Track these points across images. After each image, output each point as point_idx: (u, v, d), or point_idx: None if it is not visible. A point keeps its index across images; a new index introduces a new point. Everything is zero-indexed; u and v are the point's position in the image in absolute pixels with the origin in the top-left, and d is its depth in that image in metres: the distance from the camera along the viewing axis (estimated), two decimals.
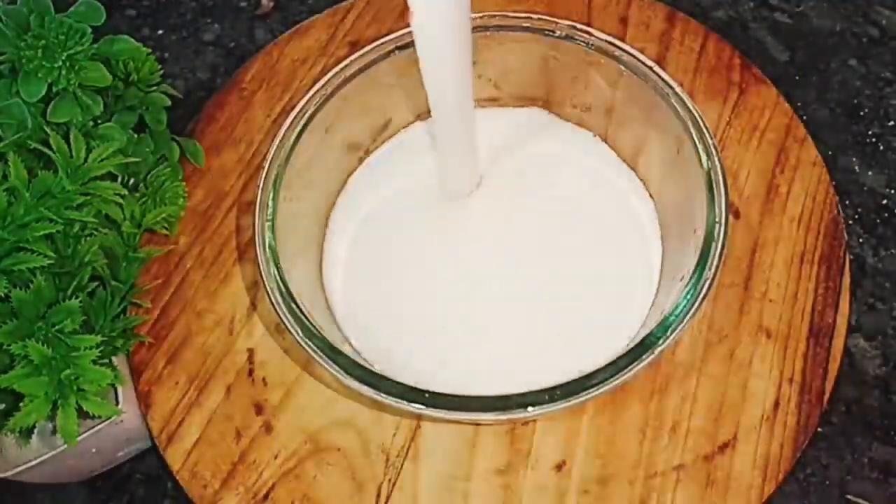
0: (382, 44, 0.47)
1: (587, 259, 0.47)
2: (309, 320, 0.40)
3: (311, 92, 0.45)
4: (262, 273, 0.41)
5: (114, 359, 0.46)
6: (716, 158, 0.42)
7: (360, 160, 0.52)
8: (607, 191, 0.49)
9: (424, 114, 0.52)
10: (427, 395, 0.37)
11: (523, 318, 0.46)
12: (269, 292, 0.41)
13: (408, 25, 0.46)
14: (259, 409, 0.46)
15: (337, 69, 0.46)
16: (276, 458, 0.45)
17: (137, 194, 0.48)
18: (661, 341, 0.38)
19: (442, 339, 0.45)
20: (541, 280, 0.46)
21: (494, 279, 0.47)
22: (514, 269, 0.47)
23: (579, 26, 0.46)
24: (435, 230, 0.49)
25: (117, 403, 0.45)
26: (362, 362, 0.39)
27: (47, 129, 0.42)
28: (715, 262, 0.40)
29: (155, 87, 0.49)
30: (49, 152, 0.42)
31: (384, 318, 0.46)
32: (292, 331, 0.40)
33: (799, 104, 0.60)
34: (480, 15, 0.47)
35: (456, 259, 0.48)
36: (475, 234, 0.49)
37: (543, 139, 0.52)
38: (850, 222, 0.56)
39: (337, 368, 0.39)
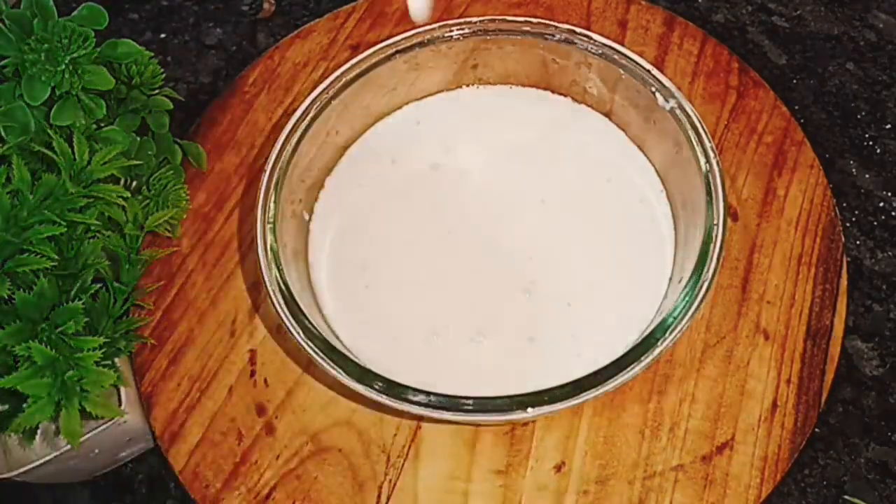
0: (383, 48, 0.47)
1: (598, 256, 0.47)
2: (310, 321, 0.40)
3: (313, 95, 0.46)
4: (264, 275, 0.41)
5: (116, 360, 0.46)
6: (714, 161, 0.42)
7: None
8: (623, 184, 0.49)
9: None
10: (427, 395, 0.38)
11: (527, 316, 0.46)
12: (271, 294, 0.41)
13: (408, 29, 0.46)
14: (261, 410, 0.47)
15: (338, 73, 0.46)
16: (277, 458, 0.45)
17: (140, 197, 0.48)
18: (659, 342, 0.38)
19: (440, 338, 0.45)
20: (545, 277, 0.46)
21: (495, 272, 0.47)
22: (516, 264, 0.47)
23: (578, 30, 0.47)
24: (428, 221, 0.48)
25: (120, 404, 0.45)
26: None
27: (50, 132, 0.43)
28: (713, 264, 0.40)
29: (157, 91, 0.49)
30: (52, 155, 0.42)
31: (374, 318, 0.46)
32: (293, 332, 0.40)
33: (796, 107, 0.60)
34: (480, 19, 0.48)
35: (451, 250, 0.48)
36: (469, 215, 0.48)
37: (552, 122, 0.51)
38: (848, 224, 0.56)
39: (338, 369, 0.39)
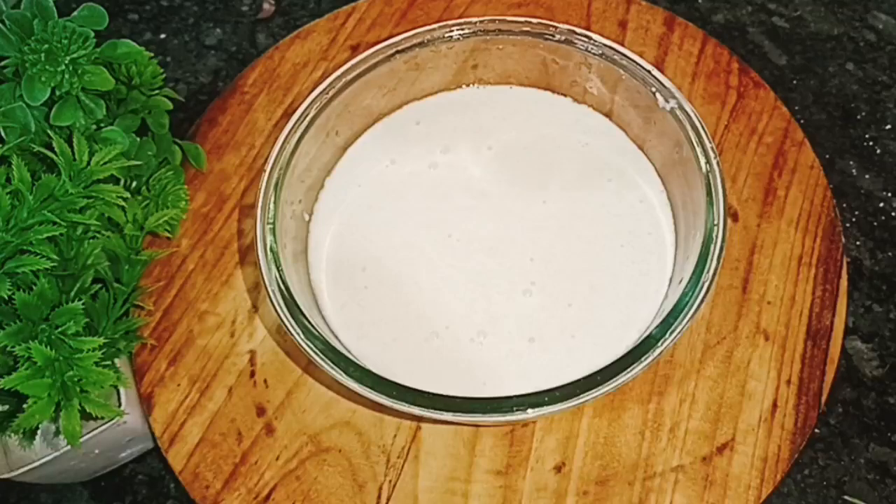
0: (383, 48, 0.47)
1: (599, 256, 0.47)
2: (310, 322, 0.40)
3: (312, 96, 0.46)
4: (264, 275, 0.41)
5: (116, 361, 0.46)
6: (714, 162, 0.42)
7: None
8: (623, 184, 0.49)
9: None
10: (427, 396, 0.38)
11: (527, 317, 0.46)
12: (271, 294, 0.41)
13: (408, 30, 0.46)
14: (260, 411, 0.47)
15: (338, 73, 0.46)
16: (277, 459, 0.45)
17: (140, 197, 0.48)
18: (659, 343, 0.38)
19: (440, 339, 0.45)
20: (545, 277, 0.46)
21: (495, 273, 0.47)
22: (516, 264, 0.47)
23: (579, 30, 0.47)
24: (427, 221, 0.48)
25: (120, 405, 0.45)
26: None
27: (50, 133, 0.43)
28: (713, 265, 0.40)
29: (157, 91, 0.49)
30: (52, 155, 0.42)
31: (374, 318, 0.46)
32: (293, 332, 0.40)
33: (796, 108, 0.60)
34: (480, 20, 0.48)
35: (451, 251, 0.47)
36: (472, 221, 0.48)
37: (552, 122, 0.51)
38: (848, 225, 0.56)
39: (338, 370, 0.39)
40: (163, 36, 0.67)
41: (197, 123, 0.56)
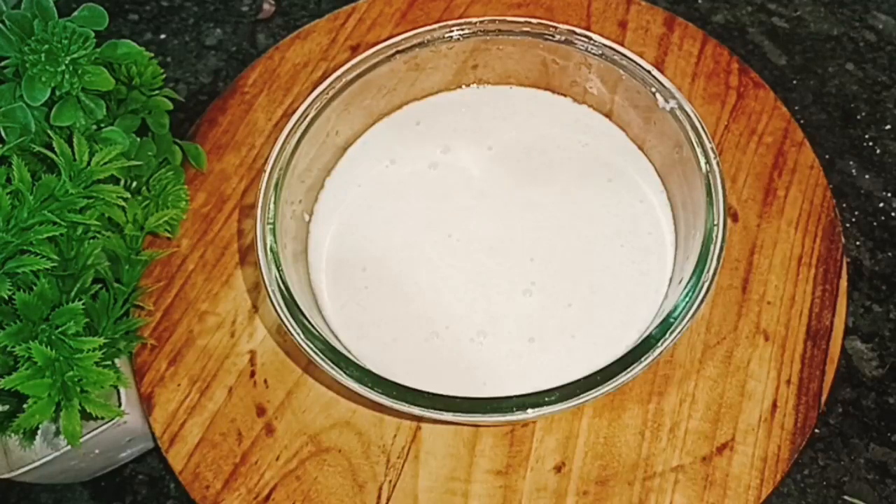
0: (383, 48, 0.47)
1: (599, 256, 0.47)
2: (310, 322, 0.40)
3: (313, 96, 0.46)
4: (264, 275, 0.41)
5: (116, 361, 0.46)
6: (714, 162, 0.42)
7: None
8: (623, 184, 0.49)
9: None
10: (427, 396, 0.38)
11: (527, 317, 0.46)
12: (271, 294, 0.41)
13: (408, 30, 0.46)
14: (260, 411, 0.47)
15: (338, 73, 0.46)
16: (277, 459, 0.45)
17: (140, 197, 0.48)
18: (659, 343, 0.38)
19: (440, 339, 0.45)
20: (545, 277, 0.46)
21: (495, 273, 0.47)
22: (516, 264, 0.47)
23: (578, 31, 0.47)
24: (427, 221, 0.48)
25: (120, 405, 0.45)
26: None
27: (51, 133, 0.43)
28: (713, 265, 0.40)
29: (157, 91, 0.49)
30: (52, 156, 0.42)
31: (374, 318, 0.46)
32: (293, 332, 0.40)
33: (796, 108, 0.60)
34: (480, 20, 0.48)
35: (451, 251, 0.47)
36: (472, 221, 0.48)
37: (552, 122, 0.51)
38: (847, 225, 0.56)
39: (338, 370, 0.39)
40: (163, 36, 0.67)
41: (197, 123, 0.56)
